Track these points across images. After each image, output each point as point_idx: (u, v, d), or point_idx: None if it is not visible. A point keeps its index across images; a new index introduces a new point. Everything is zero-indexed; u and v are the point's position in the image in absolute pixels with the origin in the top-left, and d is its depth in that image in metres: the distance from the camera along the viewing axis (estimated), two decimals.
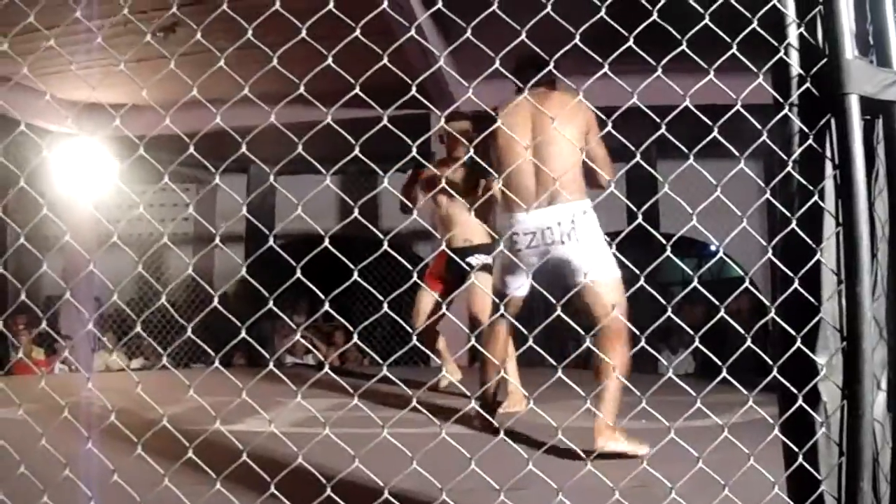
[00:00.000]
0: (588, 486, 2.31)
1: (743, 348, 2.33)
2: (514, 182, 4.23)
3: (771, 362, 2.15)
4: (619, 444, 3.81)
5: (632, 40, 2.23)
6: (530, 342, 2.33)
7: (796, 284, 2.09)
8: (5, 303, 8.20)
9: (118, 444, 2.61)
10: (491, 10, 2.21)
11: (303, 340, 10.54)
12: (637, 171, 4.46)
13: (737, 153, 2.36)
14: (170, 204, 11.00)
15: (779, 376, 2.12)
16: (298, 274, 2.23)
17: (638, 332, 4.18)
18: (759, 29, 2.17)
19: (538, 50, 2.32)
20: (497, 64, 2.26)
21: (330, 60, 2.20)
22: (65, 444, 2.49)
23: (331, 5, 2.20)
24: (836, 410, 2.08)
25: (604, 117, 2.46)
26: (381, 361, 9.57)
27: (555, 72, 2.74)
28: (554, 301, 2.40)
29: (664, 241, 2.42)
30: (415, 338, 5.80)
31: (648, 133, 2.48)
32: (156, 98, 2.52)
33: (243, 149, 2.26)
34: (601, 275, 4.11)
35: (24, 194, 2.51)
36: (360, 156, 2.23)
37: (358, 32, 2.19)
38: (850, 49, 2.09)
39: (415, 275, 5.57)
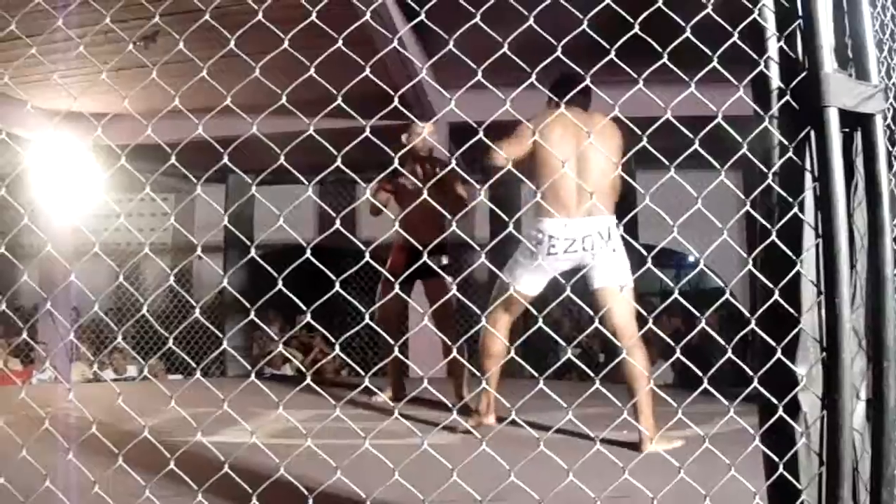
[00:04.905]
0: (570, 496, 2.31)
1: (724, 359, 2.34)
2: (555, 190, 4.48)
3: (751, 373, 2.16)
4: (670, 444, 4.07)
5: (613, 53, 2.24)
6: (511, 353, 2.33)
7: (776, 296, 2.10)
8: None
9: (98, 455, 2.60)
10: (473, 21, 2.21)
11: (283, 351, 10.52)
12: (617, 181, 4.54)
13: (717, 165, 2.37)
14: (148, 213, 10.95)
15: (759, 387, 2.13)
16: (280, 286, 2.23)
17: (618, 343, 4.26)
18: (739, 42, 2.18)
19: (519, 61, 2.32)
20: (479, 75, 2.27)
21: (312, 71, 2.20)
22: (45, 456, 2.48)
23: (313, 16, 2.20)
24: (816, 420, 2.08)
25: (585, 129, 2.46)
26: (361, 372, 9.55)
27: (594, 89, 2.82)
28: (534, 312, 2.40)
29: (644, 252, 2.43)
30: (396, 349, 5.82)
31: (628, 143, 2.49)
32: (136, 107, 2.51)
33: (225, 160, 2.26)
34: (627, 282, 4.51)
35: (3, 203, 2.50)
36: (342, 166, 2.23)
37: (340, 43, 2.19)
38: (829, 62, 2.10)
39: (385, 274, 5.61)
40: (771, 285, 2.12)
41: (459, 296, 2.71)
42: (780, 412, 2.08)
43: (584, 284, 4.44)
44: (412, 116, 4.06)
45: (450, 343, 5.56)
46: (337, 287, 2.22)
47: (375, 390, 5.92)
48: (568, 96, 4.16)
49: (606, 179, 4.52)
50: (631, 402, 4.07)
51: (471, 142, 2.38)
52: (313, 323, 5.21)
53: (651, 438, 4.08)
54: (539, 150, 4.46)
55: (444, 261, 6.01)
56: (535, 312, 4.42)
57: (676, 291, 2.45)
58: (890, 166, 2.27)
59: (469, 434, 4.32)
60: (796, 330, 2.09)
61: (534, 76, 2.26)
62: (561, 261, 4.53)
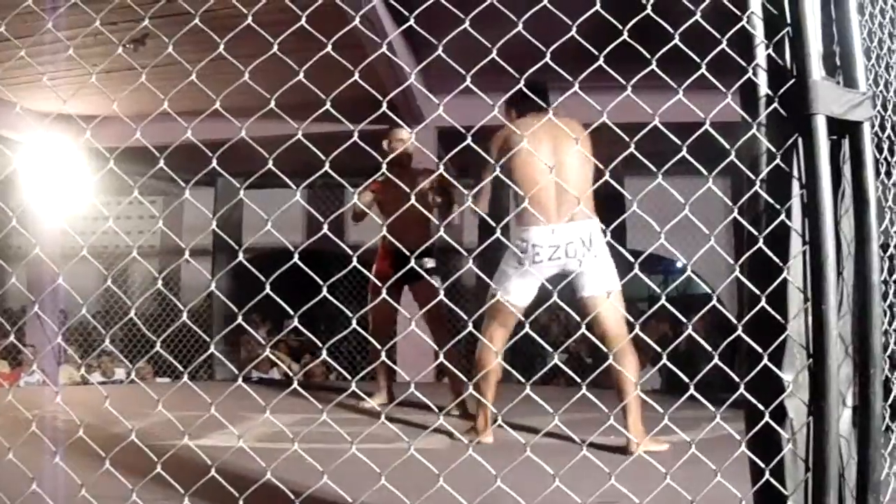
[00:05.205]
0: (556, 501, 2.31)
1: (710, 365, 2.34)
2: (536, 197, 4.43)
3: (738, 379, 2.16)
4: (658, 446, 4.15)
5: (602, 59, 2.24)
6: (498, 359, 2.33)
7: (763, 302, 2.10)
8: None
9: (85, 458, 2.59)
10: (462, 27, 2.21)
11: (270, 355, 10.51)
12: (604, 187, 4.52)
13: (705, 171, 2.38)
14: (136, 216, 10.93)
15: (746, 393, 2.13)
16: (268, 290, 2.23)
17: (605, 349, 4.27)
18: (727, 49, 2.19)
19: (507, 66, 2.33)
20: (468, 81, 2.27)
21: (301, 76, 2.20)
22: (32, 459, 2.47)
23: (303, 21, 2.20)
24: (803, 427, 2.09)
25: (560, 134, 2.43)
26: (348, 377, 9.54)
27: (582, 93, 2.80)
28: (521, 318, 2.41)
29: (632, 258, 2.44)
30: (383, 354, 5.82)
31: (615, 148, 2.48)
32: (125, 109, 2.51)
33: (213, 164, 2.26)
34: (615, 287, 4.45)
35: None
36: (330, 171, 2.23)
37: (329, 48, 2.19)
38: (817, 70, 2.11)
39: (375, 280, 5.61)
40: (758, 292, 2.12)
41: (447, 300, 2.72)
42: (767, 418, 2.08)
43: (571, 290, 4.43)
44: (399, 121, 4.08)
45: (443, 344, 5.57)
46: (324, 292, 2.22)
47: (364, 396, 5.91)
48: (554, 104, 4.17)
49: (585, 184, 4.50)
50: (620, 405, 4.08)
51: (459, 147, 2.38)
52: (301, 328, 5.20)
53: (638, 444, 4.09)
54: (517, 160, 4.44)
55: (430, 264, 6.02)
56: (522, 318, 4.42)
57: (664, 297, 2.46)
58: (877, 173, 2.27)
59: (456, 439, 4.32)
60: (783, 336, 2.10)
61: (522, 81, 2.26)
62: (546, 267, 4.51)
